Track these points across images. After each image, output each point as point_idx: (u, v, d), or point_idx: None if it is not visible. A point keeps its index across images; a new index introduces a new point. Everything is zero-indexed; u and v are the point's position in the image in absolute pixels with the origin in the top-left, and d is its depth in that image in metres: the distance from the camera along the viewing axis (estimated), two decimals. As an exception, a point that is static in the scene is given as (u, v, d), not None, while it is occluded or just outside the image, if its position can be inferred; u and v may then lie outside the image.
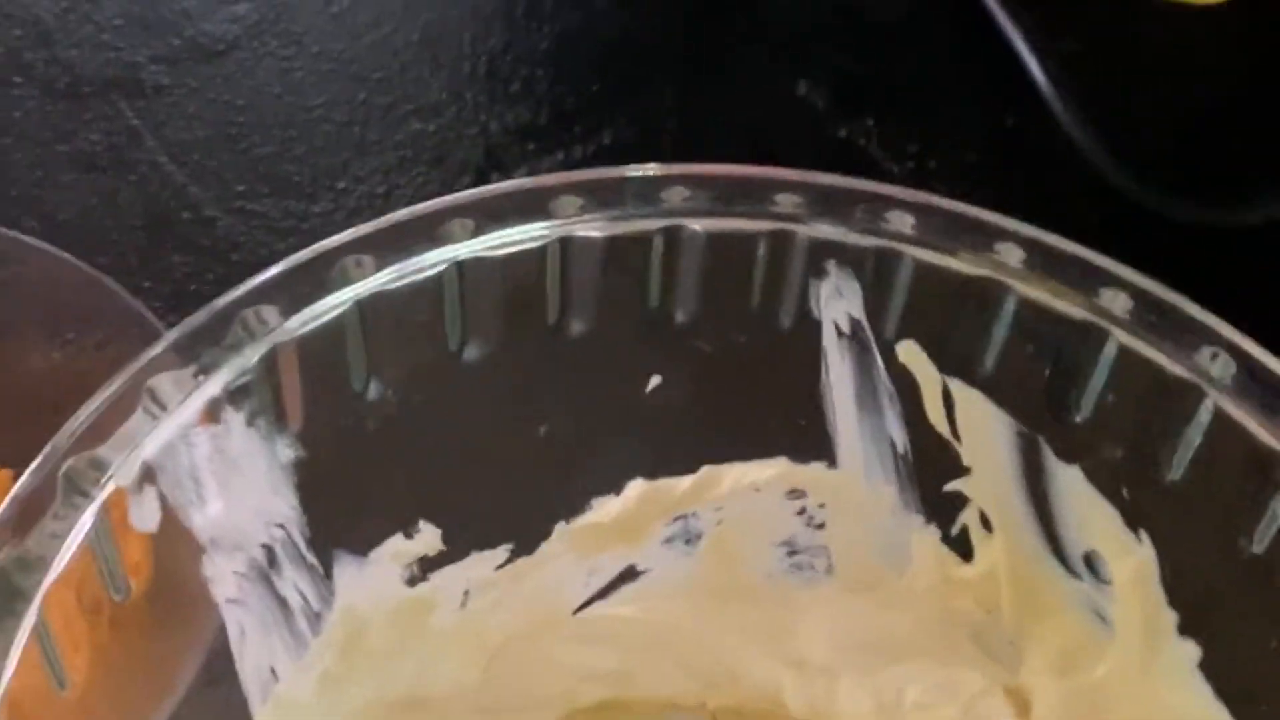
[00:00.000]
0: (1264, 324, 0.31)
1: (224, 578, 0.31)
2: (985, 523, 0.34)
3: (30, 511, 0.26)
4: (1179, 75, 0.58)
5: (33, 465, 0.27)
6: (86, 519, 0.26)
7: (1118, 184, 0.54)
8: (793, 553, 0.36)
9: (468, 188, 0.32)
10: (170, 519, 0.29)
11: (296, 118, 0.54)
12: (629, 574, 0.37)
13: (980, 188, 0.52)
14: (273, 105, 0.54)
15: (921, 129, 0.55)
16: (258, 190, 0.52)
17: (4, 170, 0.51)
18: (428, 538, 0.34)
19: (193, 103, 0.54)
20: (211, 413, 0.29)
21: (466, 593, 0.36)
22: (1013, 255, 0.31)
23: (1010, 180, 0.54)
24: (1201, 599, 0.32)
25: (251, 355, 0.29)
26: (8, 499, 0.26)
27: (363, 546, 0.33)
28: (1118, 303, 0.31)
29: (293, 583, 0.32)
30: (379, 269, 0.30)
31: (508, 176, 0.53)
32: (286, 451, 0.31)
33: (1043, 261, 0.31)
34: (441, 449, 0.33)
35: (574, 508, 0.35)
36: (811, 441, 0.34)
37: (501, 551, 0.36)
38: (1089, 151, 0.54)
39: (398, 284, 0.30)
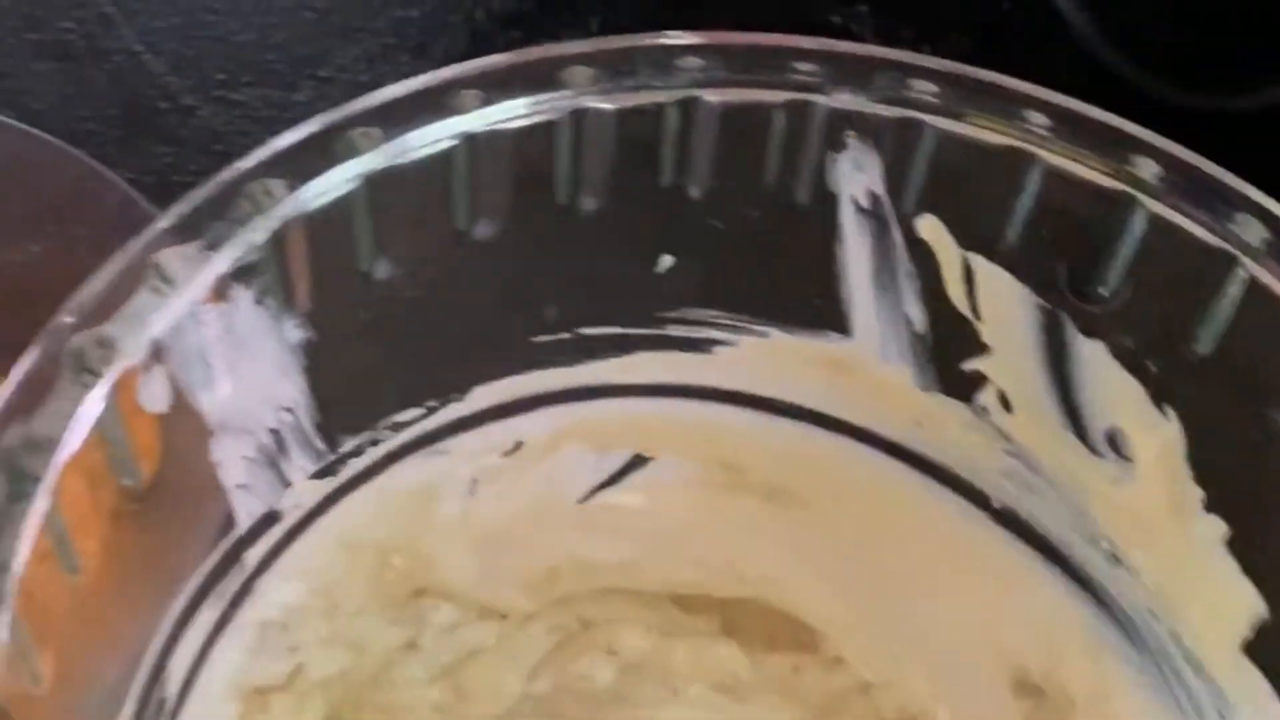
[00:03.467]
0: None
1: (232, 462, 0.30)
2: (1005, 402, 0.33)
3: (36, 390, 0.25)
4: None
5: (35, 343, 0.26)
6: (96, 398, 0.25)
7: (1116, 69, 0.53)
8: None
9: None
10: (179, 401, 0.28)
11: (275, 4, 0.52)
12: (637, 461, 0.37)
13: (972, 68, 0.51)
14: (251, -8, 0.53)
15: (915, 14, 0.54)
16: (238, 79, 0.50)
17: (-25, 59, 0.49)
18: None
19: (167, -10, 0.52)
20: (220, 290, 0.27)
21: (474, 480, 0.35)
22: (1039, 122, 0.30)
23: (1007, 66, 0.53)
24: (1228, 475, 0.31)
25: (260, 230, 0.28)
26: (11, 379, 0.25)
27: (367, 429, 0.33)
28: (1147, 169, 0.30)
29: (300, 468, 0.32)
30: (386, 142, 0.29)
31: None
32: (295, 332, 0.30)
33: (1070, 129, 0.30)
34: (449, 330, 0.32)
35: (583, 393, 0.35)
36: (827, 321, 0.34)
37: (510, 439, 0.35)
38: (1087, 36, 0.53)
39: (406, 158, 0.29)
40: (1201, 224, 0.29)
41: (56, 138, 0.44)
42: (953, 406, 0.34)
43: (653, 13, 0.54)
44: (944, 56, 0.54)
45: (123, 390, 0.26)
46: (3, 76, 0.49)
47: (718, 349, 0.34)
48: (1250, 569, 0.31)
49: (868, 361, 0.34)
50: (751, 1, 0.55)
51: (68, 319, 0.26)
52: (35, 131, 0.43)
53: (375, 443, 0.33)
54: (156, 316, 0.26)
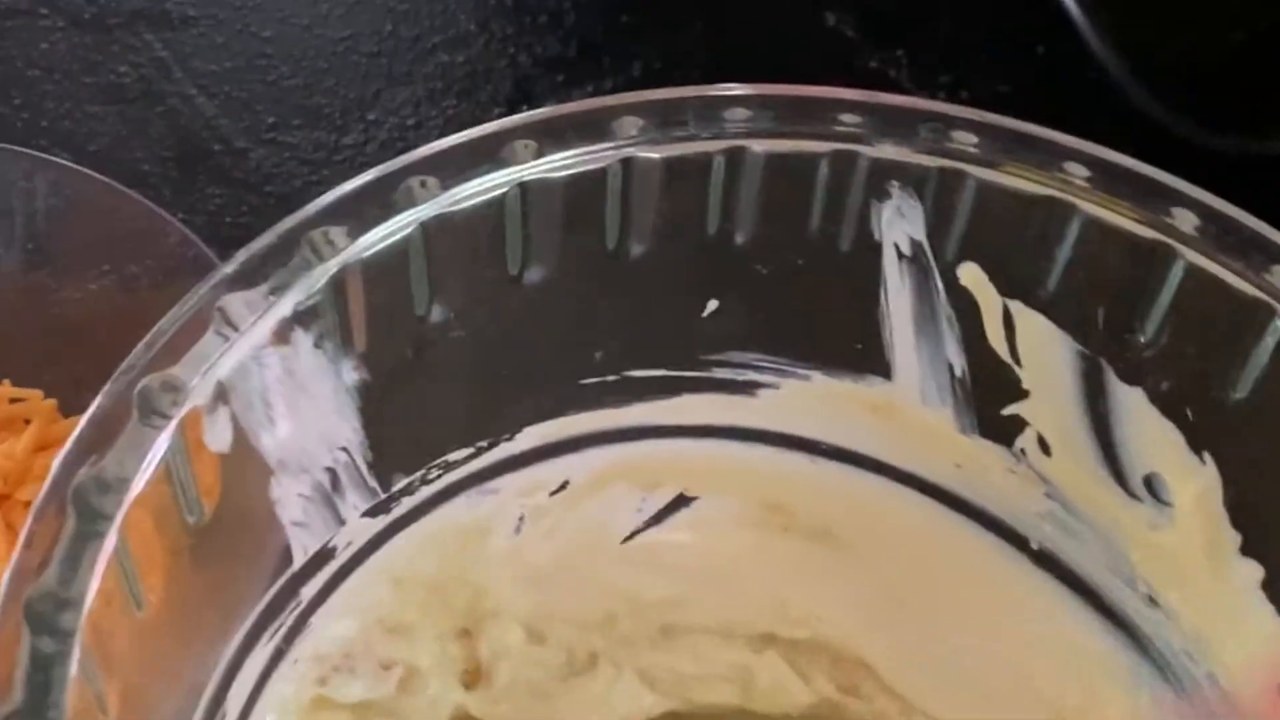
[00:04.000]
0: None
1: (290, 500, 0.31)
2: (1044, 446, 0.34)
3: (107, 431, 0.26)
4: (1212, 1, 0.57)
5: (107, 385, 0.27)
6: (164, 439, 0.26)
7: (1151, 113, 0.54)
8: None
9: (497, 119, 0.31)
10: (241, 441, 0.28)
11: (325, 49, 0.53)
12: (680, 501, 0.37)
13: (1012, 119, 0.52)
14: (300, 36, 0.54)
15: (952, 59, 0.55)
16: (288, 122, 0.51)
17: (34, 102, 0.50)
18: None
19: (220, 34, 0.53)
20: (281, 333, 0.28)
21: (521, 518, 0.36)
22: (1078, 174, 0.31)
23: (1042, 110, 0.53)
24: (1265, 520, 0.32)
25: (320, 276, 0.29)
26: (84, 419, 0.26)
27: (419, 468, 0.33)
28: (1186, 221, 0.30)
29: (354, 506, 0.32)
30: (442, 190, 0.30)
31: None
32: (351, 374, 0.30)
33: (1109, 180, 0.31)
34: (500, 372, 0.33)
35: (629, 434, 0.35)
36: (869, 365, 0.34)
37: (557, 478, 0.36)
38: (1122, 80, 0.54)
39: (461, 206, 0.30)
40: (1238, 274, 0.30)
41: (113, 179, 0.45)
42: (993, 450, 0.34)
43: (690, 57, 0.56)
44: (979, 100, 0.55)
45: (189, 431, 0.27)
46: (60, 119, 0.50)
47: (761, 391, 0.35)
48: (1287, 612, 0.31)
49: (909, 405, 0.34)
50: (790, 46, 0.56)
51: (138, 360, 0.27)
52: (91, 173, 0.44)
53: (427, 481, 0.34)
54: (222, 359, 0.27)
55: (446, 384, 0.33)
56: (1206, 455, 0.32)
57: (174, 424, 0.26)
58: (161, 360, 0.27)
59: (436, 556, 0.35)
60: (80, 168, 0.44)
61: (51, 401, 0.42)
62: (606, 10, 0.56)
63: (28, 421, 0.42)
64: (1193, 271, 0.30)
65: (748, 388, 0.35)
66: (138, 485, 0.26)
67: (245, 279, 0.28)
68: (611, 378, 0.34)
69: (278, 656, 0.32)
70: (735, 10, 0.57)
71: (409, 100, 0.53)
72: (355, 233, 0.29)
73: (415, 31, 0.55)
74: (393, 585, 0.34)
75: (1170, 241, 0.30)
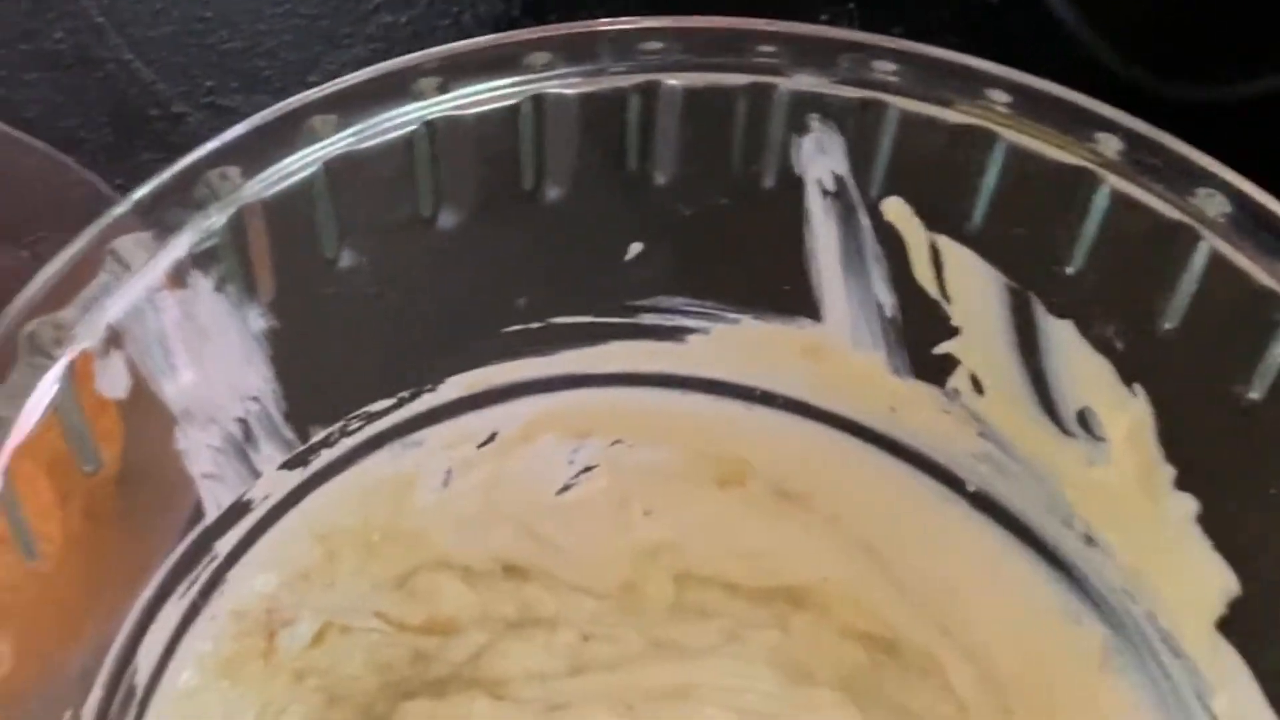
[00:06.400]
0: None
1: (198, 451, 0.30)
2: (977, 385, 0.33)
3: (-9, 375, 0.26)
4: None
5: (-8, 329, 0.26)
6: (50, 381, 0.26)
7: (1106, 62, 0.53)
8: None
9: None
10: (140, 388, 0.28)
11: (264, 11, 0.53)
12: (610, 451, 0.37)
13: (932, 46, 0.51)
14: (240, 0, 0.53)
15: (904, 10, 0.54)
16: (227, 86, 0.50)
17: (-33, 69, 0.50)
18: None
19: (158, -1, 0.53)
20: (178, 276, 0.28)
21: (449, 471, 0.35)
22: (1000, 100, 0.30)
23: (995, 61, 0.53)
24: (1198, 452, 0.31)
25: (217, 216, 0.28)
26: (-34, 364, 0.26)
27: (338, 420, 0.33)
28: (1110, 146, 0.30)
29: (269, 458, 0.32)
30: (346, 127, 0.29)
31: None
32: (259, 321, 0.30)
33: (1032, 106, 0.30)
34: (419, 320, 0.32)
35: (556, 383, 0.35)
36: (798, 307, 0.34)
37: (484, 429, 0.35)
38: (1076, 29, 0.53)
39: (367, 144, 0.29)
40: (1164, 198, 0.29)
41: (48, 145, 0.44)
42: (926, 390, 0.34)
43: (638, 13, 0.55)
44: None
45: (80, 376, 0.26)
46: (-5, 86, 0.50)
47: (690, 337, 0.34)
48: (1222, 546, 0.31)
49: (840, 347, 0.34)
50: (740, 3, 0.56)
51: (24, 303, 0.26)
52: (23, 136, 0.43)
53: (347, 433, 0.33)
54: (112, 301, 0.27)
55: (362, 332, 0.32)
56: (1138, 387, 0.31)
57: (60, 366, 0.26)
58: (49, 303, 0.26)
59: (360, 510, 0.34)
60: (14, 131, 0.44)
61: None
62: (552, -32, 0.55)
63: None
64: (1118, 197, 0.30)
65: (676, 333, 0.34)
66: (22, 429, 0.25)
67: (139, 219, 0.28)
68: (535, 325, 0.34)
69: (193, 612, 0.31)
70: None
71: (351, 62, 0.52)
72: (253, 171, 0.28)
73: (358, -7, 0.54)
74: (315, 539, 0.34)
75: (1094, 167, 0.30)
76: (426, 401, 0.34)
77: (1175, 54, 0.53)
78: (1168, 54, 0.54)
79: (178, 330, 0.28)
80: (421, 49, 0.52)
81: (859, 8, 0.54)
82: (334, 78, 0.51)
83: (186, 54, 0.51)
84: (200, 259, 0.28)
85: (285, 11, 0.53)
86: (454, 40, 0.52)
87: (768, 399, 0.35)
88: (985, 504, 0.34)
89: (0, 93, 0.49)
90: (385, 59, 0.52)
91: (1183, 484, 0.31)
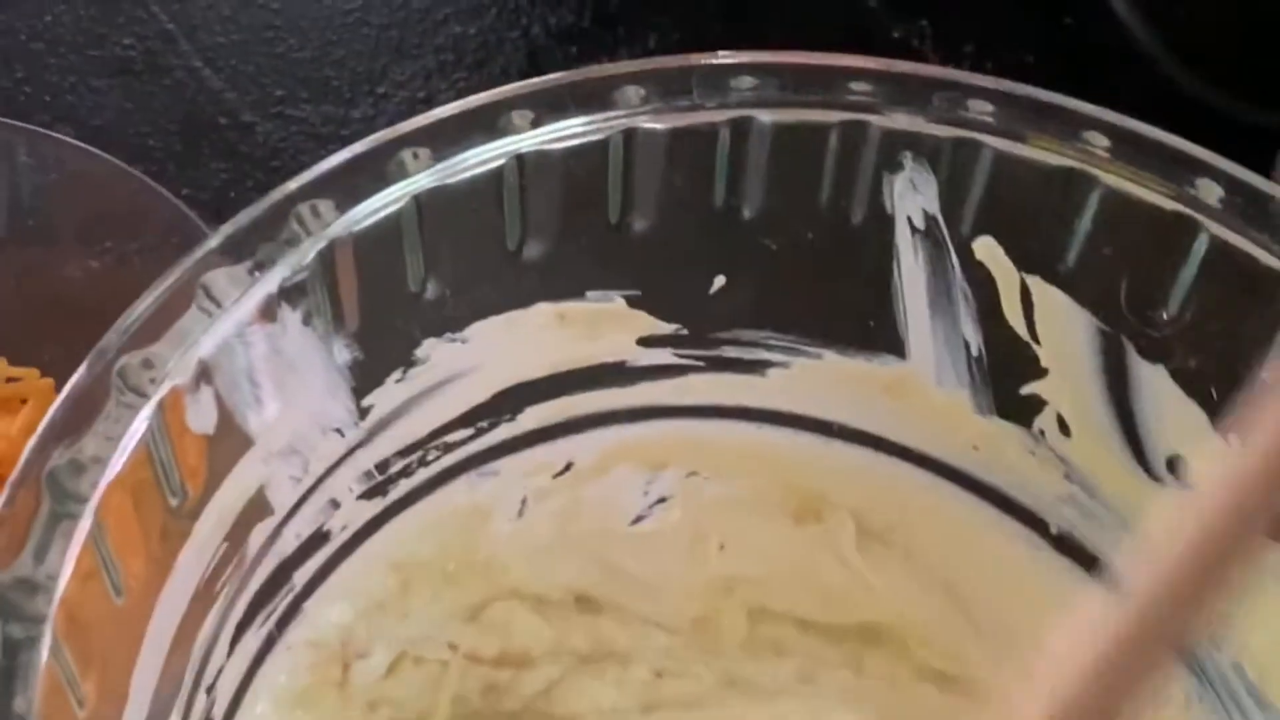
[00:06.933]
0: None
1: (280, 482, 0.30)
2: (1064, 426, 0.33)
3: (83, 412, 0.25)
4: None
5: (84, 364, 0.26)
6: (142, 419, 0.25)
7: (1183, 85, 0.52)
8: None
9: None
10: (226, 421, 0.27)
11: (334, 21, 0.52)
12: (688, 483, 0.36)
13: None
14: (309, 8, 0.53)
15: (977, 29, 0.54)
16: (296, 95, 0.50)
17: (37, 75, 0.50)
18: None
19: (227, 6, 0.52)
20: (268, 310, 0.27)
21: (524, 501, 0.35)
22: (1099, 143, 0.30)
23: (1069, 82, 0.52)
24: (1292, 503, 0.30)
25: (308, 251, 0.28)
26: (59, 399, 0.25)
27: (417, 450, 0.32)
28: (1210, 193, 0.29)
29: (349, 488, 0.31)
30: (436, 162, 0.29)
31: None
32: (343, 353, 0.29)
33: (1130, 150, 0.30)
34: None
35: (634, 414, 0.34)
36: (882, 344, 0.33)
37: (560, 459, 0.35)
38: (1151, 51, 0.53)
39: (455, 178, 0.29)
40: (1264, 246, 0.29)
41: (116, 153, 0.44)
42: (1011, 430, 0.33)
43: (710, 28, 0.55)
44: (1006, 72, 0.53)
45: (170, 411, 0.26)
46: (63, 93, 0.50)
47: (771, 371, 0.34)
48: (1314, 599, 0.30)
49: (924, 384, 0.33)
50: (811, 17, 0.55)
51: (116, 339, 0.26)
52: (91, 149, 0.43)
53: (425, 463, 0.33)
54: (204, 337, 0.26)
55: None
56: (1232, 436, 0.30)
57: (153, 403, 0.26)
58: (141, 338, 0.26)
59: (436, 540, 0.34)
60: (80, 143, 0.43)
61: (49, 380, 0.41)
62: (622, -20, 0.55)
63: (24, 401, 0.41)
64: (1217, 245, 0.29)
65: (757, 367, 0.34)
66: (115, 467, 0.25)
67: (230, 254, 0.27)
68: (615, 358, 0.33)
69: (270, 643, 0.31)
70: (755, -19, 0.56)
71: (419, 73, 0.51)
72: (345, 206, 0.28)
73: (427, 3, 0.54)
74: (391, 569, 0.33)
75: (1193, 214, 0.29)
76: (505, 431, 0.34)
77: (1253, 77, 0.53)
78: (1246, 77, 0.53)
79: (265, 364, 0.28)
80: (490, 60, 0.52)
81: (932, 25, 0.54)
82: (403, 88, 0.51)
83: (255, 62, 0.51)
84: (289, 293, 0.28)
85: (355, 21, 0.52)
86: (523, 54, 0.53)
87: (847, 434, 0.35)
88: (1068, 547, 0.34)
89: (69, 100, 0.49)
90: (452, 69, 0.52)
91: (1275, 533, 0.31)
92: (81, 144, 0.42)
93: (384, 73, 0.51)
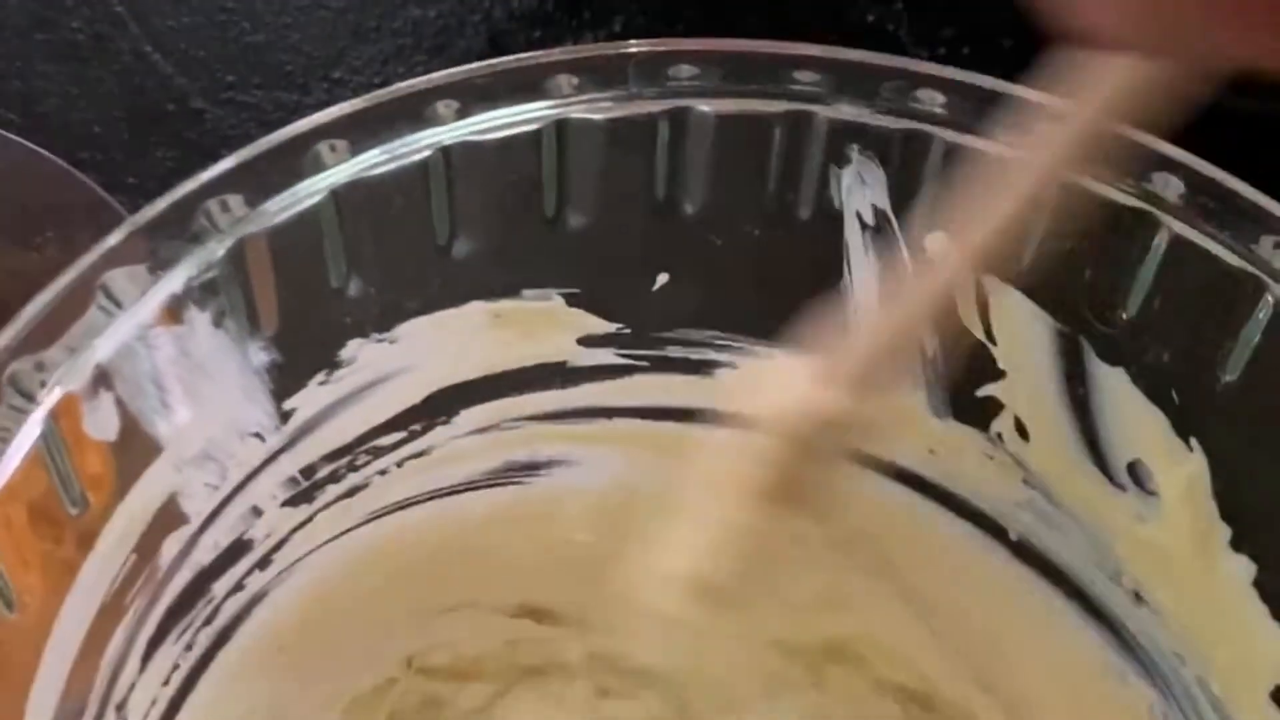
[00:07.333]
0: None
1: (194, 490, 0.28)
2: (1022, 430, 0.31)
3: (-32, 421, 0.24)
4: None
5: (-28, 371, 0.24)
6: (32, 426, 0.24)
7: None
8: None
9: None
10: (131, 428, 0.26)
11: (289, 4, 0.51)
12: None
13: (1017, 76, 0.49)
14: (264, -9, 0.51)
15: (954, 13, 0.52)
16: (248, 81, 0.49)
17: (-19, 61, 0.48)
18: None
19: (180, -12, 0.51)
20: (173, 312, 0.26)
21: (463, 507, 0.34)
22: (1054, 136, 0.28)
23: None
24: (1256, 512, 0.29)
25: (216, 249, 0.26)
26: (-56, 407, 0.24)
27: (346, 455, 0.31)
28: (1170, 188, 0.28)
29: (271, 495, 0.30)
30: (356, 154, 0.28)
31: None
32: (260, 355, 0.28)
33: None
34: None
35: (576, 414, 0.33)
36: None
37: (499, 463, 0.33)
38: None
39: (377, 171, 0.28)
40: (1226, 245, 0.27)
41: (61, 140, 0.43)
42: (968, 434, 0.32)
43: (680, 13, 0.53)
44: (983, 57, 0.52)
45: (64, 417, 0.25)
46: (9, 78, 0.48)
47: (717, 371, 0.32)
48: (1280, 613, 0.29)
49: (876, 386, 0.32)
50: (783, 1, 0.54)
51: (6, 343, 0.25)
52: (27, 144, 0.42)
53: (355, 468, 0.31)
54: (100, 340, 0.25)
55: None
56: (1194, 441, 0.29)
57: (44, 409, 0.24)
58: (35, 341, 0.25)
59: (369, 547, 0.33)
60: (13, 136, 0.42)
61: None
62: (587, -38, 0.53)
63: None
64: (1177, 242, 0.28)
65: (702, 367, 0.33)
66: (2, 475, 0.24)
67: (132, 253, 0.26)
68: (555, 359, 0.32)
69: (191, 657, 0.30)
70: (725, -37, 0.54)
71: (376, 57, 0.50)
72: (256, 200, 0.27)
73: (386, -15, 0.52)
74: (321, 579, 0.32)
75: (1153, 210, 0.28)
76: (441, 434, 0.32)
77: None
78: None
79: (172, 367, 0.27)
80: (450, 44, 0.51)
81: (907, 8, 0.52)
82: (359, 73, 0.50)
83: (207, 47, 0.49)
84: (197, 293, 0.26)
85: (310, 4, 0.51)
86: (483, 38, 0.51)
87: (799, 437, 0.33)
88: (1028, 554, 0.33)
89: (14, 85, 0.48)
90: (411, 53, 0.51)
91: (1239, 545, 0.29)
92: (15, 137, 0.41)
93: (340, 57, 0.50)
